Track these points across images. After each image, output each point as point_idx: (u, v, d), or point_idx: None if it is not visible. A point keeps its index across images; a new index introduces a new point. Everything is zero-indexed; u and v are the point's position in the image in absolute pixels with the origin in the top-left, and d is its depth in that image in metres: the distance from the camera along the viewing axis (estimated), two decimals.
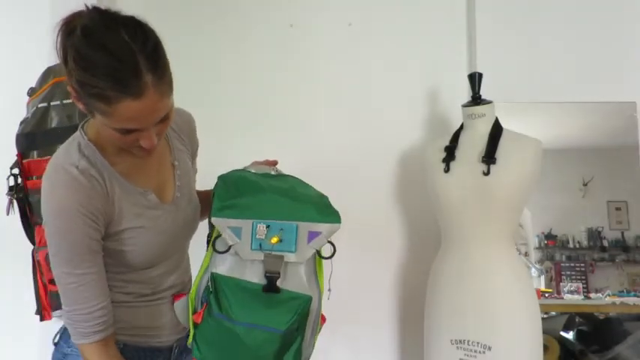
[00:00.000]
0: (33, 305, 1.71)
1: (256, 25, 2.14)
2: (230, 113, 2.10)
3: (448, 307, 1.61)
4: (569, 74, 2.04)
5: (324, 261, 1.08)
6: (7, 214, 1.57)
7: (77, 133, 1.02)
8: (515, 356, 1.52)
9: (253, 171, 1.13)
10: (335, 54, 2.12)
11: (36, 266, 1.67)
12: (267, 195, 1.04)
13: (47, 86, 1.64)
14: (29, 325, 1.82)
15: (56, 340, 1.11)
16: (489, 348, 1.52)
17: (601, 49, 2.05)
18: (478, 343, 1.54)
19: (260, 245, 1.01)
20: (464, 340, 1.57)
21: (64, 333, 1.09)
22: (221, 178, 1.09)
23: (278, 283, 1.02)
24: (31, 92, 1.69)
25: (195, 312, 1.05)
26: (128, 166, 1.03)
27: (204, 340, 1.04)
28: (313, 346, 1.09)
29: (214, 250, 1.04)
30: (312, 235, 1.02)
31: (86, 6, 0.88)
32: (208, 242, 1.08)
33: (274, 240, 1.01)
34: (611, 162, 2.09)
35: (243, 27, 2.13)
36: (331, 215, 1.05)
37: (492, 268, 1.58)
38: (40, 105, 1.62)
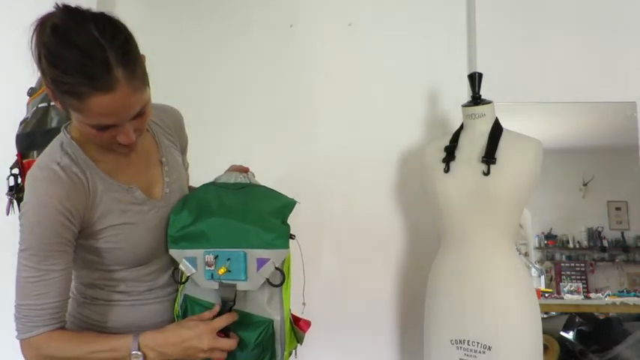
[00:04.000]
0: None
1: (256, 25, 2.14)
2: (230, 113, 2.10)
3: (448, 307, 1.61)
4: (569, 74, 2.04)
5: (292, 277, 1.07)
6: (7, 214, 1.57)
7: (61, 133, 1.03)
8: (515, 356, 1.52)
9: (222, 181, 1.13)
10: (335, 54, 2.12)
11: None
12: (217, 219, 1.04)
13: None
14: None
15: None
16: (489, 348, 1.52)
17: (601, 49, 2.05)
18: (478, 343, 1.54)
19: (212, 275, 1.02)
20: (464, 340, 1.57)
21: None
22: (182, 199, 1.11)
23: (239, 307, 1.03)
24: (31, 92, 1.69)
25: None
26: (112, 164, 1.04)
27: None
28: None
29: (175, 280, 1.08)
30: (261, 263, 1.00)
31: (56, 4, 0.89)
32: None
33: (221, 271, 1.00)
34: (611, 162, 2.09)
35: (243, 27, 2.14)
36: (279, 239, 1.01)
37: (492, 268, 1.58)
38: (40, 105, 1.62)
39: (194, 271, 1.04)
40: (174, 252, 1.05)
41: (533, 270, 2.07)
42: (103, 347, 0.97)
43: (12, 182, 1.58)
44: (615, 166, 2.08)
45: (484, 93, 1.70)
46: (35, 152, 1.54)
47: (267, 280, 1.01)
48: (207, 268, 1.02)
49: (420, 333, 1.74)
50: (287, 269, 1.05)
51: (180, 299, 1.09)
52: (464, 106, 1.73)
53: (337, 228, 2.01)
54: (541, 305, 1.61)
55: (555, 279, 2.09)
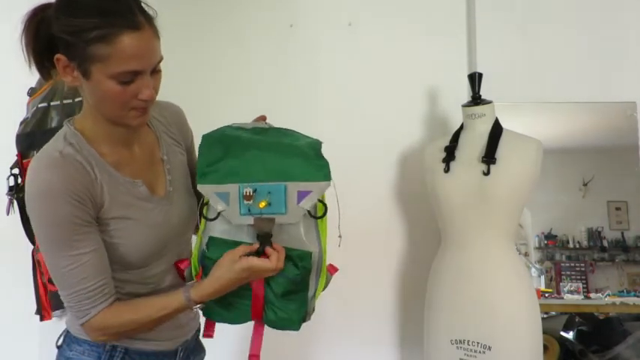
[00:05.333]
0: (33, 305, 1.71)
1: (256, 25, 2.14)
2: (229, 113, 2.09)
3: (448, 306, 1.61)
4: (569, 74, 2.04)
5: (329, 210, 1.04)
6: (7, 214, 1.57)
7: (64, 127, 1.02)
8: (515, 356, 1.52)
9: (239, 125, 1.09)
10: (335, 54, 2.12)
11: (36, 266, 1.67)
12: (251, 152, 1.00)
13: (47, 86, 1.64)
14: (29, 325, 1.82)
15: (59, 343, 1.08)
16: (489, 348, 1.52)
17: (601, 49, 2.05)
18: (478, 343, 1.54)
19: (249, 209, 0.97)
20: (464, 340, 1.57)
21: (67, 336, 1.08)
22: (204, 137, 1.05)
23: (277, 242, 0.99)
24: (31, 92, 1.69)
25: (196, 274, 1.04)
26: (117, 159, 1.02)
27: (212, 302, 1.04)
28: (317, 297, 1.07)
29: (203, 217, 1.01)
30: (302, 195, 0.98)
31: None
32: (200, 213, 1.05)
33: (262, 204, 0.96)
34: (611, 162, 2.09)
35: (243, 27, 2.13)
36: (320, 171, 1.00)
37: (492, 268, 1.58)
38: (40, 105, 1.62)
39: (226, 207, 0.98)
40: (202, 187, 1.00)
41: (533, 270, 2.07)
42: (160, 307, 1.00)
43: (12, 182, 1.58)
44: (615, 166, 2.08)
45: (484, 93, 1.70)
46: (35, 152, 1.54)
47: (309, 212, 0.99)
48: (244, 202, 0.97)
49: (420, 333, 1.74)
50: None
51: (202, 242, 1.03)
52: (464, 106, 1.73)
53: (337, 227, 2.00)
54: (541, 305, 1.61)
55: (555, 279, 2.09)
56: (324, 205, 1.02)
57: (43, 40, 0.93)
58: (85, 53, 0.88)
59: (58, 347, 1.08)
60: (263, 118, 1.14)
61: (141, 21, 0.89)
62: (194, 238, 1.11)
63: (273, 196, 0.97)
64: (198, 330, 1.20)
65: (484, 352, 1.53)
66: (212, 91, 2.10)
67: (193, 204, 1.13)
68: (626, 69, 2.04)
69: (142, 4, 0.93)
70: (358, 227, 2.00)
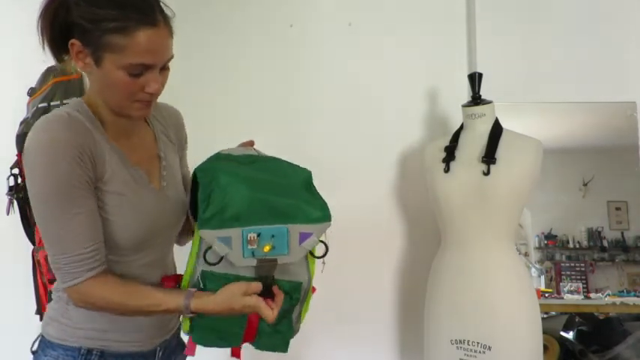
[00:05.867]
0: (33, 305, 1.71)
1: (256, 25, 2.14)
2: (229, 113, 2.10)
3: (448, 306, 1.61)
4: (569, 74, 2.04)
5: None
6: (7, 214, 1.57)
7: (72, 99, 1.04)
8: (515, 356, 1.52)
9: (232, 154, 1.09)
10: (335, 54, 2.12)
11: (36, 266, 1.67)
12: (250, 193, 0.99)
13: (47, 86, 1.64)
14: (29, 325, 1.82)
15: (34, 349, 1.05)
16: (489, 348, 1.52)
17: (601, 49, 2.05)
18: (478, 343, 1.54)
19: (253, 253, 0.98)
20: (464, 340, 1.57)
21: (41, 341, 1.05)
22: (200, 180, 1.02)
23: (276, 277, 1.01)
24: (31, 92, 1.69)
25: None
26: (120, 145, 1.02)
27: (201, 327, 1.03)
28: (301, 321, 1.10)
29: (207, 262, 1.00)
30: (304, 237, 1.00)
31: None
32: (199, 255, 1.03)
33: (267, 248, 0.98)
34: (611, 162, 2.09)
35: (242, 27, 2.13)
36: (321, 211, 1.02)
37: (492, 267, 1.58)
38: (40, 105, 1.62)
39: (229, 250, 0.98)
40: (204, 232, 0.98)
41: (533, 270, 2.07)
42: (154, 302, 0.98)
43: (12, 182, 1.58)
44: (615, 166, 2.08)
45: (484, 93, 1.70)
46: None
47: (310, 251, 1.02)
48: (248, 246, 0.98)
49: (420, 333, 1.74)
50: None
51: (192, 276, 1.03)
52: (464, 106, 1.73)
53: (337, 227, 2.00)
54: (541, 305, 1.61)
55: (555, 279, 2.09)
56: (326, 245, 1.04)
57: (60, 24, 0.96)
58: (100, 41, 0.91)
59: (33, 352, 1.06)
60: (251, 144, 1.16)
61: (159, 19, 0.94)
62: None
63: (277, 239, 0.99)
64: (179, 329, 1.18)
65: (484, 352, 1.53)
66: (212, 91, 2.10)
67: (184, 202, 1.14)
68: (626, 69, 2.04)
69: (162, 4, 0.97)
70: (358, 227, 2.01)
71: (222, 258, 0.99)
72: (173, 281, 1.08)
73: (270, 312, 0.98)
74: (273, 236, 0.98)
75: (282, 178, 1.05)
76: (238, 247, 0.98)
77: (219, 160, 1.07)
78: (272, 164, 1.09)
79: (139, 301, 0.98)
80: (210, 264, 1.00)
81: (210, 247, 0.99)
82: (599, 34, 2.06)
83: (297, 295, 1.04)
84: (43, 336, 1.05)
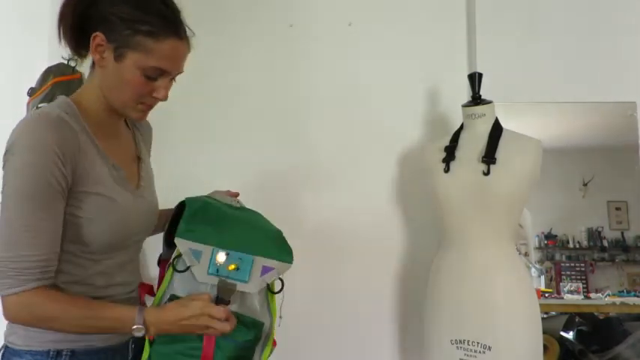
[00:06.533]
0: None
1: (256, 25, 2.14)
2: (229, 113, 2.10)
3: (448, 307, 1.61)
4: (569, 74, 2.04)
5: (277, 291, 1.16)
6: None
7: (60, 98, 1.05)
8: (515, 356, 1.52)
9: (218, 199, 1.21)
10: (335, 54, 2.12)
11: None
12: (229, 224, 1.13)
13: (47, 86, 1.64)
14: None
15: None
16: (489, 348, 1.52)
17: (601, 49, 2.05)
18: (478, 343, 1.54)
19: (217, 270, 1.07)
20: (464, 340, 1.57)
21: (6, 351, 1.01)
22: (188, 203, 1.15)
23: (234, 308, 1.07)
24: (31, 92, 1.69)
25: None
26: (104, 142, 1.05)
27: (159, 356, 1.05)
28: None
29: (174, 268, 1.08)
30: (266, 270, 1.10)
31: None
32: (170, 265, 1.10)
33: (232, 267, 1.07)
34: (611, 162, 2.09)
35: (242, 27, 2.14)
36: (286, 254, 1.14)
37: (492, 268, 1.58)
38: (40, 105, 1.62)
39: (196, 263, 1.07)
40: (179, 240, 1.08)
41: (533, 270, 2.07)
42: (106, 315, 0.96)
43: None
44: (615, 166, 2.08)
45: (484, 93, 1.70)
46: None
47: (268, 285, 1.12)
48: (215, 262, 1.07)
49: (420, 333, 1.74)
50: (271, 295, 1.15)
51: (162, 298, 1.08)
52: (464, 106, 1.73)
53: (337, 227, 2.01)
54: (541, 305, 1.61)
55: (555, 279, 2.09)
56: (282, 282, 1.15)
57: (80, 14, 1.00)
58: (129, 40, 0.98)
59: None
60: (235, 195, 1.27)
61: (185, 34, 1.04)
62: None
63: (242, 264, 1.08)
64: None
65: (484, 352, 1.53)
66: (211, 91, 2.10)
67: (157, 209, 1.20)
68: (626, 69, 2.04)
69: (186, 26, 1.06)
70: (358, 227, 2.01)
71: (188, 267, 1.07)
72: (148, 288, 1.15)
73: (220, 310, 1.00)
74: (240, 259, 1.08)
75: (259, 223, 1.19)
76: (205, 263, 1.07)
77: (208, 197, 1.21)
78: (252, 214, 1.22)
79: (85, 311, 0.95)
80: (176, 270, 1.08)
81: (180, 256, 1.08)
82: (600, 33, 2.06)
83: (256, 332, 1.10)
84: (7, 346, 1.01)
